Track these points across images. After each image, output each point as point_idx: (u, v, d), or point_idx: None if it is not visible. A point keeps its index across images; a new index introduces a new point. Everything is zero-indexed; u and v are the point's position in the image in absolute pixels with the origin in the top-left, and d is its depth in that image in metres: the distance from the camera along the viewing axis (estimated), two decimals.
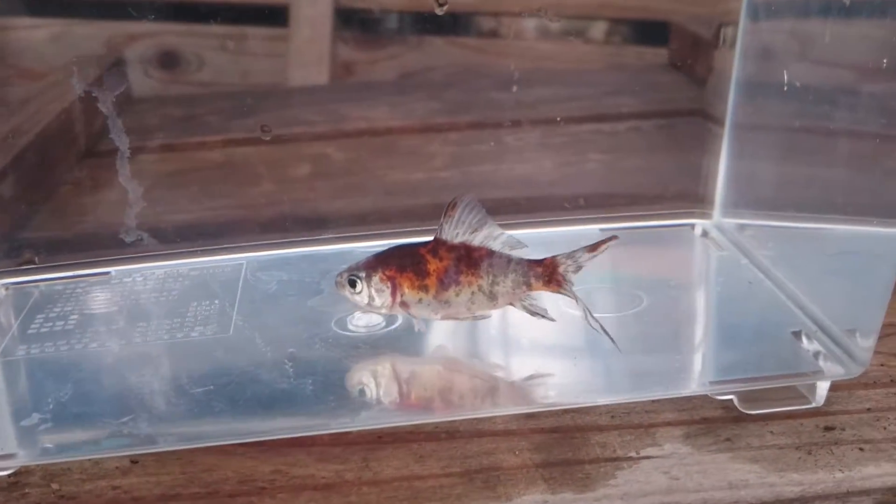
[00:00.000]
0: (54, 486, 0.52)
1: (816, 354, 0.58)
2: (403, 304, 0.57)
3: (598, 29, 0.79)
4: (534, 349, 0.59)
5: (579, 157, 0.82)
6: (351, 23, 0.76)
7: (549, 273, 0.57)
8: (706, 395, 0.57)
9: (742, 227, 0.72)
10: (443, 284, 0.57)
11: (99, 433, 0.52)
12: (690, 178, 0.78)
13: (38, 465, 0.53)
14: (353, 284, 0.58)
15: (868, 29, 0.56)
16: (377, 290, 0.57)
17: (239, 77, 0.75)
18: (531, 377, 0.58)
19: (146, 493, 0.51)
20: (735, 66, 0.72)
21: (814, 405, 0.57)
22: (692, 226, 0.75)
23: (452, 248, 0.57)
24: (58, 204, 0.73)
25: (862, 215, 0.57)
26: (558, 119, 0.78)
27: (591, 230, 0.75)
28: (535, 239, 0.74)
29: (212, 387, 0.55)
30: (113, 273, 0.69)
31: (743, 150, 0.72)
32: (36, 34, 0.70)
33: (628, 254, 0.69)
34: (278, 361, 0.58)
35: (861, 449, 0.54)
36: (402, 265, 0.57)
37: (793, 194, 0.66)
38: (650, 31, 0.81)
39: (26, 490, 0.51)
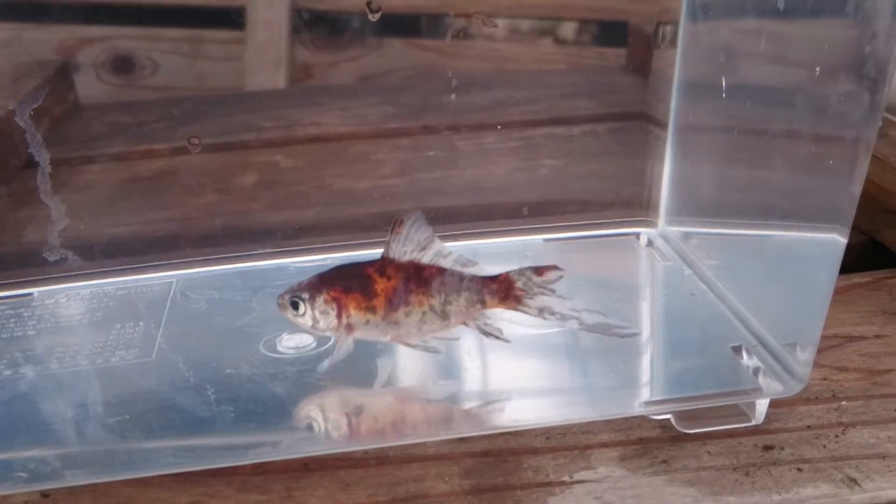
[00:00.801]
0: None
1: (756, 371, 0.56)
2: (349, 327, 0.55)
3: (559, 29, 0.78)
4: (463, 370, 0.57)
5: (532, 163, 0.80)
6: (309, 25, 0.73)
7: (504, 289, 0.55)
8: (644, 415, 0.55)
9: (686, 235, 0.70)
10: (391, 305, 0.55)
11: (7, 467, 0.50)
12: (638, 184, 0.76)
13: None
14: (295, 306, 0.55)
15: (803, 31, 0.55)
16: (321, 312, 0.55)
17: (194, 81, 0.73)
18: (461, 400, 0.56)
19: None
20: (676, 67, 0.70)
21: (753, 423, 0.55)
22: (637, 235, 0.74)
23: (401, 266, 0.55)
24: None
25: (801, 221, 0.56)
26: (499, 127, 0.76)
27: (535, 241, 0.74)
28: (479, 250, 0.74)
29: (127, 416, 0.53)
30: (36, 294, 0.66)
31: (686, 154, 0.71)
32: None
33: (572, 265, 0.67)
34: (200, 387, 0.55)
35: (799, 469, 0.52)
36: (347, 286, 0.55)
37: (734, 200, 0.65)
38: (610, 32, 0.79)
39: None
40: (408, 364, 0.58)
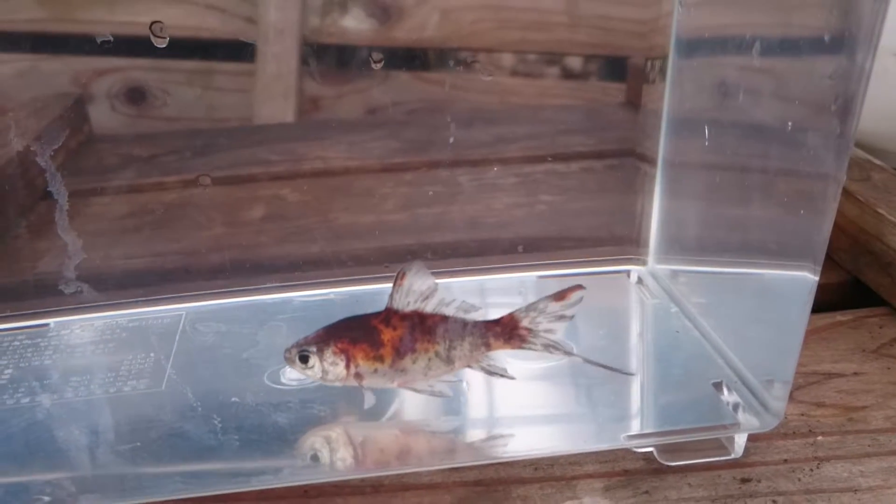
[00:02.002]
0: None
1: (735, 406, 0.59)
2: (358, 376, 0.58)
3: (562, 63, 0.80)
4: (454, 403, 0.60)
5: (531, 199, 0.83)
6: (318, 57, 0.76)
7: (509, 330, 0.58)
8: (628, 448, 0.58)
9: (674, 273, 0.73)
10: (399, 353, 0.57)
11: (23, 493, 0.52)
12: (629, 221, 0.79)
13: None
14: (304, 360, 0.57)
15: (781, 68, 0.58)
16: (331, 364, 0.57)
17: (205, 112, 0.76)
18: (454, 432, 0.59)
19: None
20: (665, 102, 0.73)
21: (733, 456, 0.58)
22: (628, 273, 0.77)
23: (405, 316, 0.57)
24: (1, 253, 0.74)
25: (775, 258, 0.59)
26: (496, 168, 0.79)
27: (529, 277, 0.77)
28: (475, 286, 0.77)
29: (139, 443, 0.56)
30: (52, 325, 0.70)
31: (673, 191, 0.74)
32: (0, 69, 0.70)
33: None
34: (207, 416, 0.58)
35: (774, 501, 0.55)
36: (354, 337, 0.57)
37: (715, 237, 0.68)
38: (612, 68, 0.81)
39: None
40: (404, 397, 0.61)
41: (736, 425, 0.57)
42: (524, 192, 0.82)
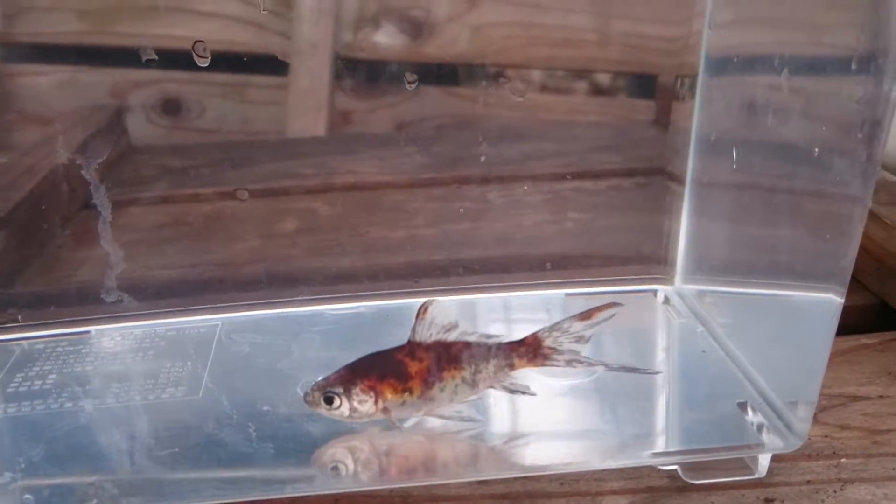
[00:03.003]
0: None
1: (759, 427, 0.60)
2: (385, 410, 0.58)
3: (591, 80, 0.81)
4: (485, 418, 0.61)
5: (559, 216, 0.84)
6: (350, 72, 0.78)
7: (532, 350, 0.60)
8: (653, 465, 0.59)
9: (700, 293, 0.74)
10: (427, 384, 0.58)
11: (68, 493, 0.55)
12: (657, 240, 0.80)
13: None
14: (329, 401, 0.58)
15: (809, 88, 0.58)
16: (360, 402, 0.58)
17: (238, 124, 0.77)
18: (479, 444, 0.60)
19: None
20: (694, 121, 0.73)
21: (757, 476, 0.59)
22: (655, 292, 0.78)
23: (429, 347, 0.59)
24: (45, 261, 0.76)
25: (801, 280, 0.59)
26: (525, 185, 0.80)
27: (557, 295, 0.78)
28: (502, 303, 0.79)
29: (177, 449, 0.58)
30: (93, 332, 0.72)
31: (701, 210, 0.74)
32: (42, 80, 0.72)
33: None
34: (242, 424, 0.60)
35: None
36: (381, 373, 0.58)
37: (743, 258, 0.68)
38: (641, 85, 0.81)
39: None
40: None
41: (760, 445, 0.58)
42: (552, 210, 0.83)
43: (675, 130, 0.76)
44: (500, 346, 0.60)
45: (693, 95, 0.73)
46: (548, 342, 0.60)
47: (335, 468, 0.57)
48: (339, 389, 0.58)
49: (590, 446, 0.60)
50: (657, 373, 0.64)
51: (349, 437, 0.60)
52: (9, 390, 0.65)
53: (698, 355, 0.68)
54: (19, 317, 0.72)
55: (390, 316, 0.75)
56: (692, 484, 0.58)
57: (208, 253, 0.79)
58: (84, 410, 0.62)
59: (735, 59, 0.69)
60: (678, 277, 0.78)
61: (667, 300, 0.77)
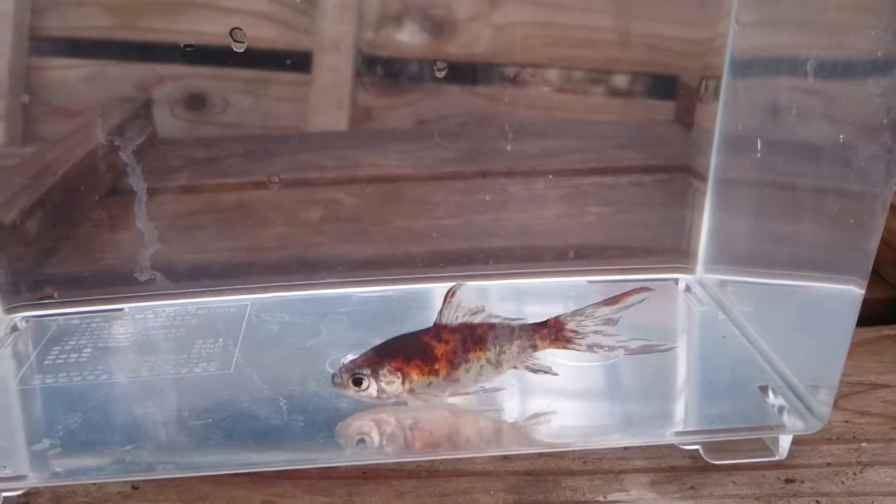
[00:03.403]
0: None
1: (780, 409, 0.61)
2: (411, 391, 0.59)
3: (611, 81, 0.82)
4: (509, 394, 0.62)
5: (580, 209, 0.85)
6: (372, 69, 0.79)
7: (555, 333, 0.61)
8: (674, 445, 0.60)
9: (722, 283, 0.75)
10: (453, 365, 0.60)
11: (104, 459, 0.56)
12: (678, 234, 0.81)
13: (46, 488, 0.57)
14: (357, 383, 0.59)
15: (833, 91, 0.59)
16: (388, 383, 0.59)
17: (261, 120, 0.79)
18: (506, 421, 0.61)
19: None
20: (717, 121, 0.74)
21: (777, 458, 0.60)
22: (676, 280, 0.79)
23: (455, 329, 0.60)
24: (79, 241, 0.78)
25: (823, 272, 0.60)
26: (550, 175, 0.81)
27: (579, 282, 0.79)
28: (526, 289, 0.80)
29: (210, 420, 0.59)
30: (126, 309, 0.74)
31: (723, 206, 0.76)
32: (70, 74, 0.74)
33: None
34: (273, 398, 0.62)
35: (818, 501, 0.57)
36: (407, 355, 0.59)
37: (765, 251, 0.69)
38: (661, 86, 0.83)
39: None
40: None
41: (781, 427, 0.59)
42: (573, 203, 0.84)
43: (698, 130, 0.78)
44: (523, 327, 0.61)
45: (717, 96, 0.75)
46: (570, 325, 0.61)
47: (361, 440, 0.59)
48: (367, 371, 0.59)
49: (613, 424, 0.61)
50: (674, 347, 0.66)
51: (376, 409, 0.61)
52: (46, 362, 0.67)
53: (719, 341, 0.69)
54: (55, 294, 0.74)
55: (416, 299, 0.76)
56: (713, 464, 0.59)
57: (236, 239, 0.81)
58: (119, 382, 0.64)
59: (760, 61, 0.70)
60: (700, 267, 0.79)
61: (688, 289, 0.78)
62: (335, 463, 0.58)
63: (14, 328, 0.72)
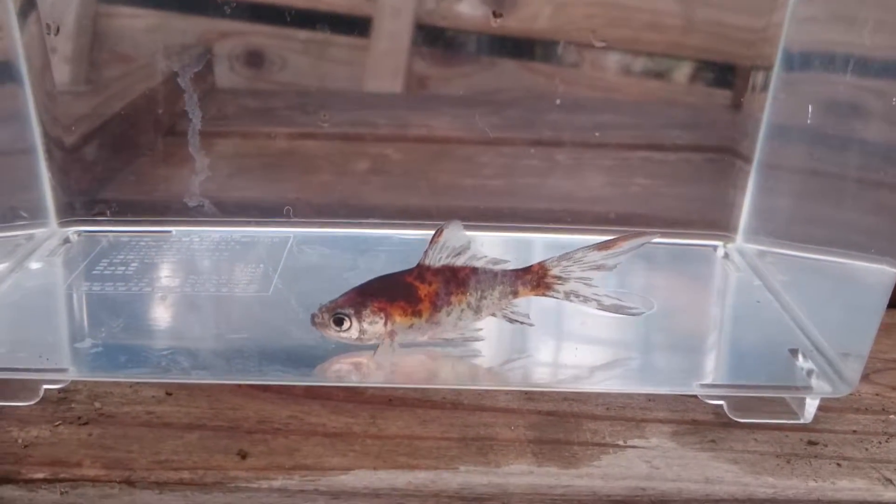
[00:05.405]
0: (97, 404, 0.58)
1: (809, 372, 0.60)
2: (392, 333, 0.58)
3: (667, 65, 0.82)
4: (539, 335, 0.63)
5: (625, 181, 0.85)
6: (429, 39, 0.80)
7: (537, 279, 0.60)
8: (700, 401, 0.60)
9: (761, 253, 0.75)
10: (436, 307, 0.59)
11: (141, 361, 0.59)
12: (720, 210, 0.81)
13: (84, 386, 0.59)
14: (339, 322, 0.57)
15: (883, 86, 0.59)
16: (370, 323, 0.57)
17: (317, 81, 0.81)
18: (533, 360, 0.62)
19: (176, 420, 0.57)
20: (766, 110, 0.75)
21: (802, 421, 0.59)
22: (715, 248, 0.79)
23: (438, 271, 0.59)
24: (134, 171, 0.80)
25: (859, 251, 0.61)
26: (594, 152, 0.82)
27: None
28: (563, 244, 0.80)
29: (246, 335, 0.61)
30: (174, 232, 0.76)
31: (766, 187, 0.77)
32: (135, 23, 0.77)
33: (651, 265, 0.75)
34: (307, 321, 0.63)
35: (839, 464, 0.56)
36: (391, 296, 0.58)
37: (805, 229, 0.70)
38: (715, 73, 0.83)
39: (72, 405, 0.58)
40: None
41: (808, 388, 0.59)
42: (620, 174, 0.84)
43: (746, 116, 0.78)
44: (505, 273, 0.60)
45: (767, 86, 0.75)
46: (554, 271, 0.60)
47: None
48: (350, 311, 0.57)
49: (638, 373, 0.62)
50: (645, 312, 0.63)
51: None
52: (94, 272, 0.69)
53: (753, 305, 0.69)
54: (108, 212, 0.76)
55: None
56: (736, 421, 0.59)
57: (284, 182, 0.83)
58: (162, 295, 0.66)
59: (812, 54, 0.70)
60: (739, 237, 0.79)
61: (726, 256, 0.78)
62: (363, 384, 0.59)
63: (66, 240, 0.75)
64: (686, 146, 0.85)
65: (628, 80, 0.82)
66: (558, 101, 0.79)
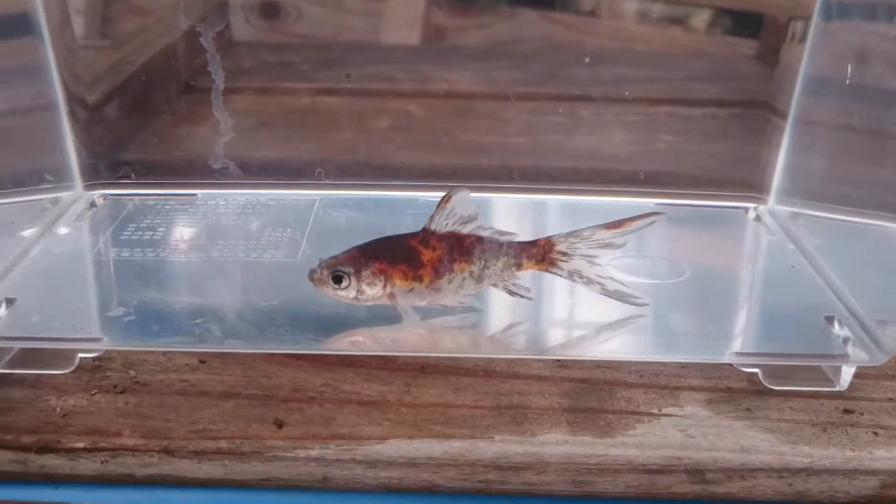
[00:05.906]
0: (131, 372, 0.58)
1: (845, 340, 0.60)
2: (391, 296, 0.58)
3: (692, 16, 0.80)
4: (573, 304, 0.63)
5: (651, 137, 0.84)
6: None
7: (542, 253, 0.60)
8: (733, 368, 0.60)
9: (794, 215, 0.74)
10: (437, 273, 0.58)
11: (175, 329, 0.59)
12: (752, 167, 0.79)
13: (118, 353, 0.59)
14: (337, 280, 0.57)
15: None
16: (368, 284, 0.57)
17: (333, 32, 0.80)
18: (565, 328, 0.62)
19: (210, 388, 0.57)
20: (803, 62, 0.73)
21: (837, 389, 0.59)
22: (746, 209, 0.78)
23: (442, 237, 0.58)
24: (157, 130, 0.79)
25: None
26: (627, 95, 0.80)
27: (647, 203, 0.78)
28: (589, 206, 0.79)
29: (276, 303, 0.61)
30: (199, 195, 0.76)
31: (802, 145, 0.74)
32: None
33: (680, 229, 0.74)
34: None
35: (876, 433, 0.56)
36: (393, 258, 0.58)
37: (841, 191, 0.68)
38: (743, 22, 0.81)
39: (107, 373, 0.58)
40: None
41: (845, 356, 0.58)
42: (644, 131, 0.83)
43: (783, 69, 0.76)
44: (511, 244, 0.59)
45: (805, 37, 0.73)
46: (560, 247, 0.59)
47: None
48: (350, 269, 0.57)
49: (672, 341, 0.61)
50: (647, 304, 0.61)
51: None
52: (121, 238, 0.69)
53: (787, 270, 0.68)
54: (132, 174, 0.76)
55: (480, 207, 0.76)
56: (771, 389, 0.59)
57: (306, 141, 0.82)
58: (190, 260, 0.66)
59: (852, 4, 0.68)
60: (772, 199, 0.78)
61: (758, 218, 0.77)
62: (396, 352, 0.59)
63: (92, 204, 0.74)
64: (715, 100, 0.83)
65: (654, 31, 0.81)
66: (582, 56, 0.77)
